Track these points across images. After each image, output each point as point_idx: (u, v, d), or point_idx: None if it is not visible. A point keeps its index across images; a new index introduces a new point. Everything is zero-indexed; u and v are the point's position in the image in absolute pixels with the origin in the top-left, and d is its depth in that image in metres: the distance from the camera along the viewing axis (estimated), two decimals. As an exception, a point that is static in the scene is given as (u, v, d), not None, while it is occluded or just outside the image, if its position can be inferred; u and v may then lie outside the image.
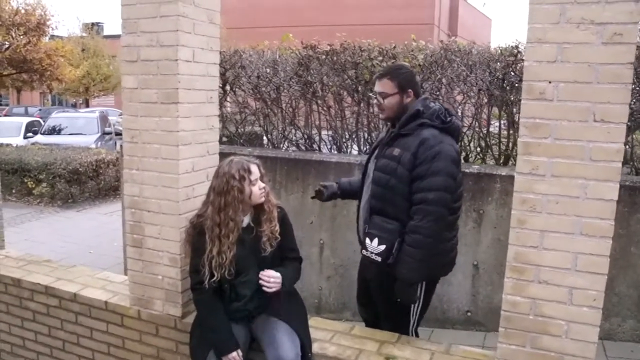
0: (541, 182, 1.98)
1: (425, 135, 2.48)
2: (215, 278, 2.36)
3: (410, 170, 2.48)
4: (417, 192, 2.46)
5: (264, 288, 2.36)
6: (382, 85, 2.64)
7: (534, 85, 1.95)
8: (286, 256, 2.53)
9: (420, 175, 2.45)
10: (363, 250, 2.62)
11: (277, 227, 2.45)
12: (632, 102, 4.28)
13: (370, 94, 2.81)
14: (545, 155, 1.97)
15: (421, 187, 2.45)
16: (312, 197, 3.07)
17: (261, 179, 2.43)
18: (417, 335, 2.76)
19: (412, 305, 2.65)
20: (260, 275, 2.36)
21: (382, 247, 2.50)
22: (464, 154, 4.88)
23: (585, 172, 1.92)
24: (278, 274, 2.38)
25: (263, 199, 2.43)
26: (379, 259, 2.52)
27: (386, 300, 2.68)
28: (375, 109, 2.83)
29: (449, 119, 2.55)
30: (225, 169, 2.39)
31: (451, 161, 2.48)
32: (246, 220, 2.45)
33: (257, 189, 2.40)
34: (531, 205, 2.01)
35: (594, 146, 1.90)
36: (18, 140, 13.74)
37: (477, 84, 4.68)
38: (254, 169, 2.41)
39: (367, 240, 2.58)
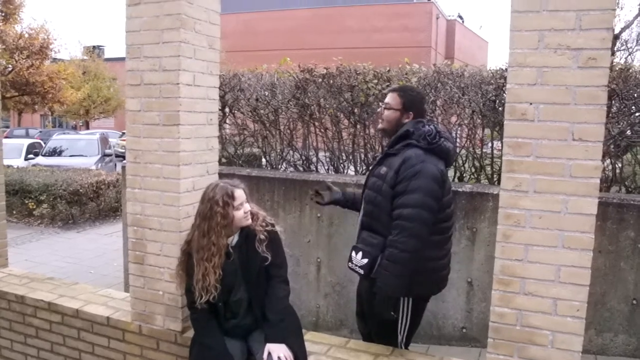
0: (524, 198, 2.08)
1: (408, 154, 2.57)
2: (204, 299, 2.43)
3: (393, 187, 2.57)
4: (396, 208, 2.54)
5: None
6: (390, 98, 2.78)
7: (516, 107, 2.07)
8: (273, 275, 2.55)
9: (400, 192, 2.53)
10: (348, 263, 2.71)
11: (264, 247, 2.48)
12: (621, 124, 4.42)
13: (378, 110, 2.92)
14: (528, 173, 2.07)
15: (399, 203, 2.53)
16: (311, 199, 3.09)
17: (246, 201, 2.48)
18: None
19: (399, 322, 2.69)
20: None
21: (365, 260, 2.59)
22: (458, 173, 4.99)
23: (566, 188, 2.03)
24: (289, 353, 2.40)
25: (248, 221, 2.49)
26: (361, 271, 2.61)
27: (374, 315, 2.73)
28: (378, 118, 2.93)
29: (435, 140, 2.62)
30: (210, 194, 2.44)
31: (432, 180, 2.52)
32: (234, 238, 2.52)
33: (242, 213, 2.44)
34: (515, 220, 2.11)
35: (574, 163, 2.01)
36: (19, 162, 13.90)
37: (470, 105, 4.81)
38: (238, 193, 2.45)
39: (353, 254, 2.68)
